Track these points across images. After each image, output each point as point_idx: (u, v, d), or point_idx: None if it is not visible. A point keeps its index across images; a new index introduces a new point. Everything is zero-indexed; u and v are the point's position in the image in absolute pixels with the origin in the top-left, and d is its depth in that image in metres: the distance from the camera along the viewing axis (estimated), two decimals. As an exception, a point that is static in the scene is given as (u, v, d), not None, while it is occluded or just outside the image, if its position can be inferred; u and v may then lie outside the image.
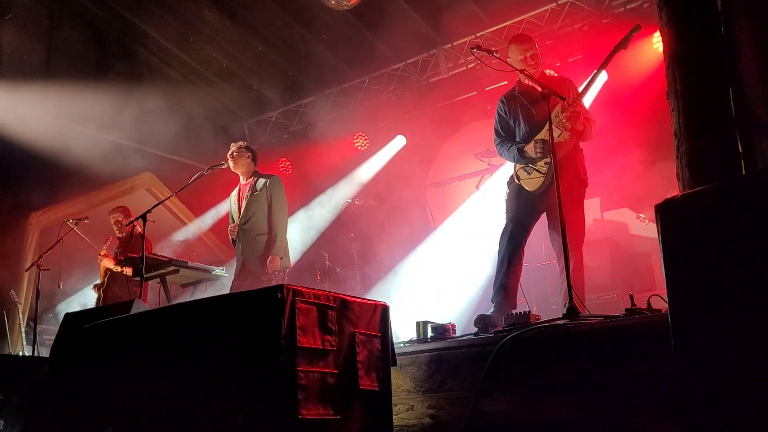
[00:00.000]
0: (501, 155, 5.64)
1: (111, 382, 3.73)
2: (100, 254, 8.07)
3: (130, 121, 9.13)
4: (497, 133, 5.63)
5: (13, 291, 8.67)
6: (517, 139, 5.46)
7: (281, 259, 6.70)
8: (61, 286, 8.40)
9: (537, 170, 5.28)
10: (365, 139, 11.00)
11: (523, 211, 5.34)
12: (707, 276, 2.49)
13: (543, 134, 5.22)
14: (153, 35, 10.21)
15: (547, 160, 5.18)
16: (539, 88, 4.96)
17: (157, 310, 4.70)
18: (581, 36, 8.93)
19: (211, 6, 9.80)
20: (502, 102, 5.65)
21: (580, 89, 5.29)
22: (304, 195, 11.02)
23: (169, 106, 9.74)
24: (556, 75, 6.02)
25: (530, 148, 5.25)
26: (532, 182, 5.33)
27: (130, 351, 3.77)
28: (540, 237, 5.85)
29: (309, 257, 10.37)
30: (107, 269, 8.06)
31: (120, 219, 8.31)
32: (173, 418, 3.38)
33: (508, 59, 5.46)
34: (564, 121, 5.04)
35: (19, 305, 8.63)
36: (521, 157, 5.35)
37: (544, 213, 5.36)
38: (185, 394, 3.38)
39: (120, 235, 8.33)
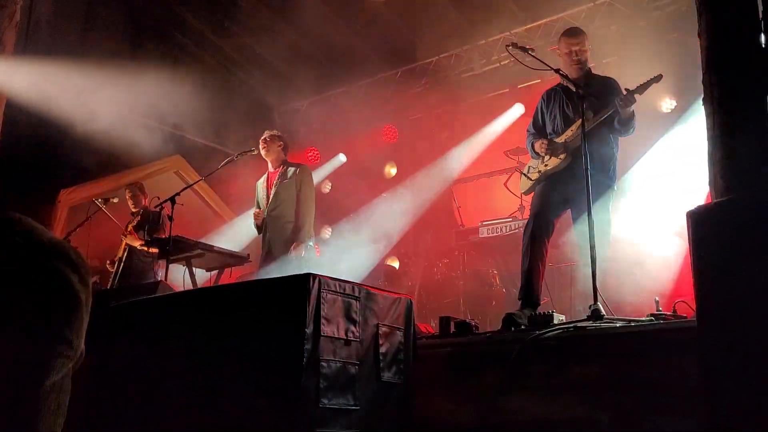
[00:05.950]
0: (527, 149, 5.65)
1: (137, 361, 3.78)
2: (125, 231, 8.01)
3: (162, 103, 9.14)
4: (529, 128, 5.62)
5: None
6: (549, 130, 5.43)
7: (306, 246, 6.74)
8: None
9: (528, 176, 5.35)
10: (395, 132, 10.99)
11: (543, 208, 5.25)
12: (738, 285, 2.47)
13: (563, 135, 5.23)
14: (188, 19, 10.27)
15: (540, 168, 5.21)
16: (573, 87, 4.96)
17: (185, 292, 4.75)
18: (617, 38, 8.83)
19: (246, -8, 9.86)
20: (543, 98, 5.61)
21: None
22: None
23: (202, 90, 9.76)
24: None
25: (539, 144, 5.26)
26: (523, 182, 5.42)
27: (157, 332, 3.82)
28: (563, 237, 5.82)
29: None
30: (128, 245, 8.01)
31: (138, 194, 8.28)
32: (198, 398, 3.42)
33: (557, 51, 5.51)
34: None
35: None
36: (533, 151, 5.37)
37: (569, 209, 5.30)
38: (210, 375, 3.42)
39: (134, 210, 8.26)
